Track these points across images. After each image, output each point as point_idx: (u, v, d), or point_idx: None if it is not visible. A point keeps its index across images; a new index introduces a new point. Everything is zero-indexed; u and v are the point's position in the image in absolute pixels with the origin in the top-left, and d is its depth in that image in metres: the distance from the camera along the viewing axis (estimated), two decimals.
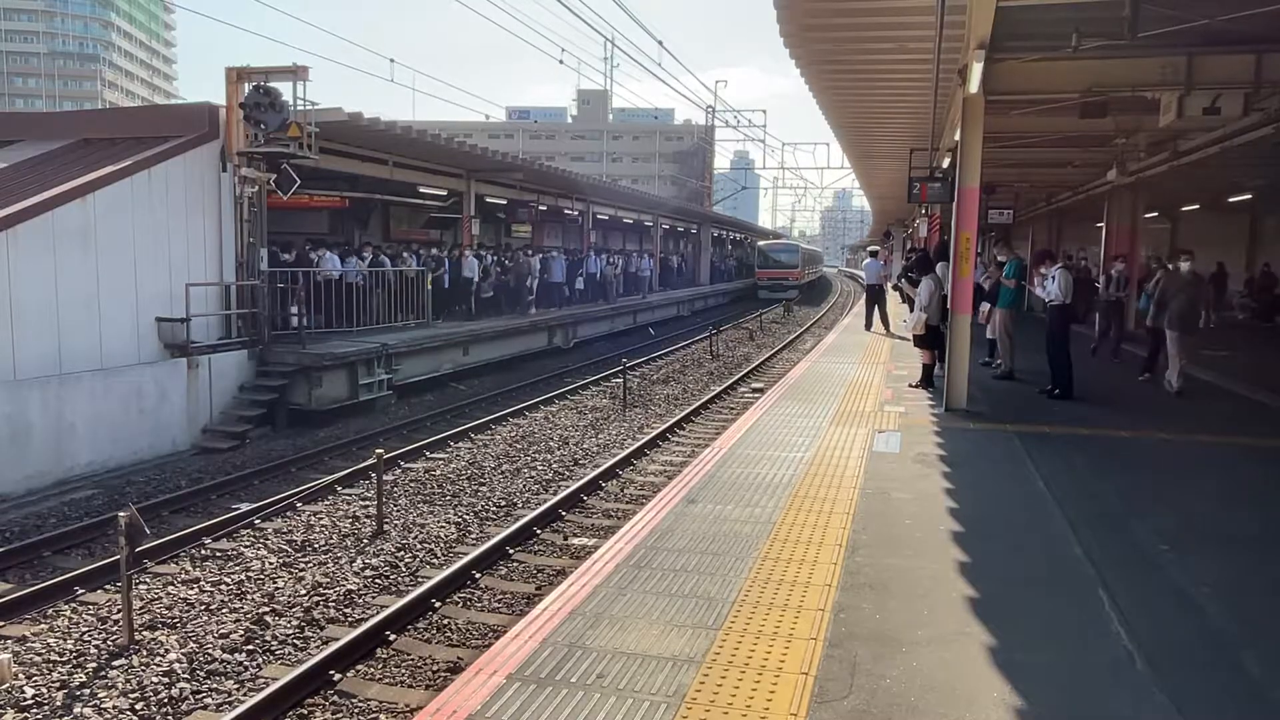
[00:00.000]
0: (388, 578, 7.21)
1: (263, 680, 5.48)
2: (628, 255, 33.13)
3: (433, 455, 11.22)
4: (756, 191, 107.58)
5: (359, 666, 5.66)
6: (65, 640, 6.06)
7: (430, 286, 17.85)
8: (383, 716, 5.12)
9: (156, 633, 6.13)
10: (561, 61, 74.49)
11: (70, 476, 10.51)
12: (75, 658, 5.80)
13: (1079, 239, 26.73)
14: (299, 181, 14.12)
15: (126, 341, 11.67)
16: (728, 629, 4.18)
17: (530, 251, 23.87)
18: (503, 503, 9.29)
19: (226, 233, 13.47)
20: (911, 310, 12.63)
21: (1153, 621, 4.32)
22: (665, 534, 5.56)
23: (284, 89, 13.45)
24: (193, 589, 6.93)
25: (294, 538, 8.10)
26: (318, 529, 8.35)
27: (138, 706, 5.19)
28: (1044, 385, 10.86)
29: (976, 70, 8.50)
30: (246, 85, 13.43)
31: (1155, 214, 22.90)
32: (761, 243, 51.06)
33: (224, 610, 6.51)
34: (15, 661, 5.68)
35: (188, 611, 6.49)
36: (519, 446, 11.72)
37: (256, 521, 8.37)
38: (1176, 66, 8.83)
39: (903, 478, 6.92)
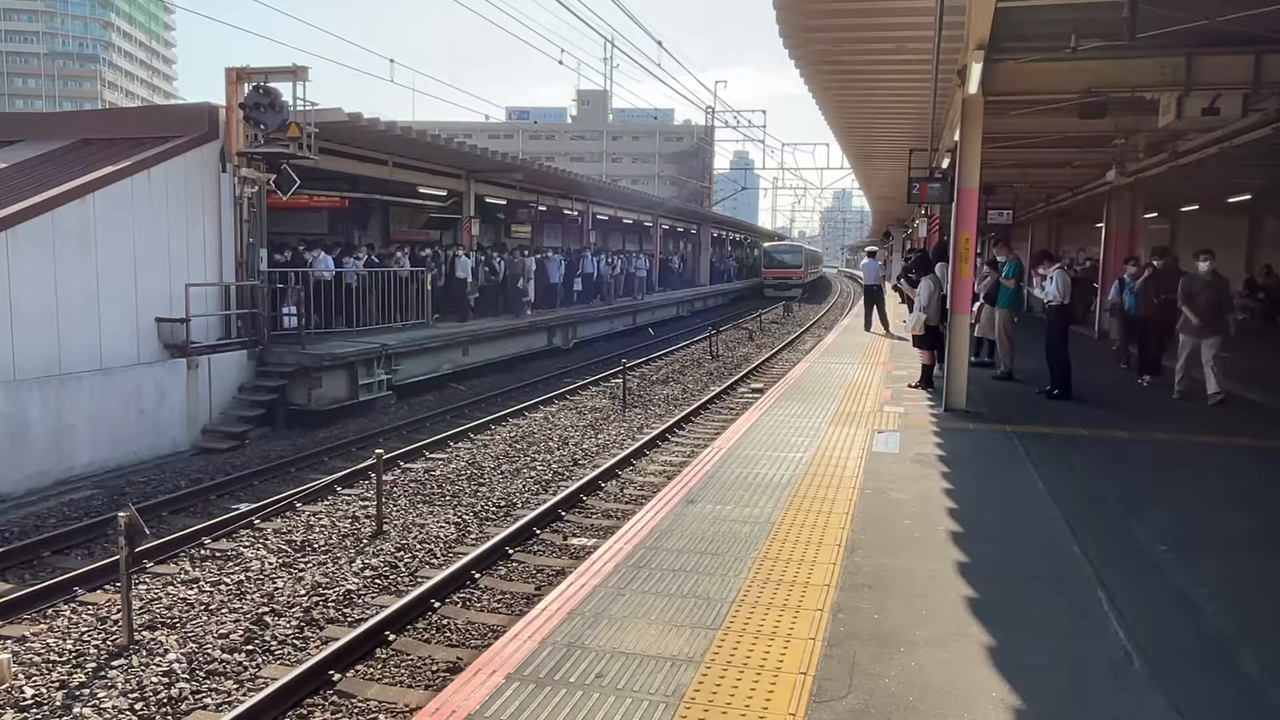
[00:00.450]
0: (387, 578, 7.21)
1: (262, 680, 5.48)
2: (626, 255, 33.13)
3: (432, 455, 11.23)
4: (756, 192, 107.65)
5: (358, 666, 5.66)
6: (65, 640, 6.06)
7: (430, 287, 17.86)
8: (382, 716, 5.12)
9: (156, 633, 6.13)
10: (561, 62, 74.30)
11: (70, 477, 10.52)
12: (75, 658, 5.80)
13: (1079, 239, 26.75)
14: (299, 182, 14.13)
15: (126, 342, 11.67)
16: (726, 629, 4.19)
17: (527, 251, 23.86)
18: (502, 503, 9.30)
19: (226, 233, 13.48)
20: (911, 311, 12.63)
21: (1152, 622, 4.32)
22: (664, 534, 5.57)
23: (284, 89, 13.49)
24: (192, 589, 6.93)
25: (293, 538, 8.10)
26: (317, 529, 8.36)
27: (137, 706, 5.20)
28: (1043, 386, 10.88)
29: (976, 71, 8.50)
30: (246, 85, 13.44)
31: (1154, 214, 22.91)
32: (767, 244, 53.95)
33: (223, 610, 6.51)
34: (15, 661, 5.69)
35: (187, 611, 6.49)
36: (518, 447, 11.72)
37: (256, 522, 8.38)
38: (1175, 67, 8.82)
39: (902, 478, 6.92)
